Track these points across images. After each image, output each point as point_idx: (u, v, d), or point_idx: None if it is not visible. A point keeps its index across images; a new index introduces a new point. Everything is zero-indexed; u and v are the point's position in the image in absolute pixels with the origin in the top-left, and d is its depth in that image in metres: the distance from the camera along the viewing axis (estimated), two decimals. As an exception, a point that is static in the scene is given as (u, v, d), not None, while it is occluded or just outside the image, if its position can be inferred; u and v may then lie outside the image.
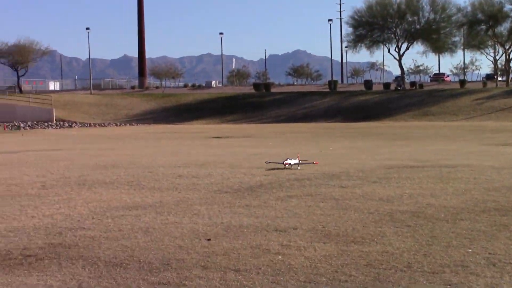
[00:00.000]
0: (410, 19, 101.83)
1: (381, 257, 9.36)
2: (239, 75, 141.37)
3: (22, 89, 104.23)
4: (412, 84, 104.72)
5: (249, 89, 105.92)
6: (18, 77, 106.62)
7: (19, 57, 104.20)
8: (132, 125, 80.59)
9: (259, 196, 15.28)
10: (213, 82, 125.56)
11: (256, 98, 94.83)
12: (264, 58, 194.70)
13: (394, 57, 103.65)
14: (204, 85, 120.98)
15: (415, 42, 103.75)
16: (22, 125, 75.01)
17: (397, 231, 11.13)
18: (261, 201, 14.44)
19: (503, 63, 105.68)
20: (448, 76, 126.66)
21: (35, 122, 77.73)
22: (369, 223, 11.81)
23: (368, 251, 9.71)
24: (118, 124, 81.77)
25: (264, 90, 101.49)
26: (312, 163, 21.63)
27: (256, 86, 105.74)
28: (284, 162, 20.95)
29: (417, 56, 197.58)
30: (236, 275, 8.54)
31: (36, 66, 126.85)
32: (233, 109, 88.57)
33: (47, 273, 8.74)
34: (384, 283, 8.22)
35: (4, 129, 70.70)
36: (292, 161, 21.09)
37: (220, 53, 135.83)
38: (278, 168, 20.93)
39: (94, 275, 8.65)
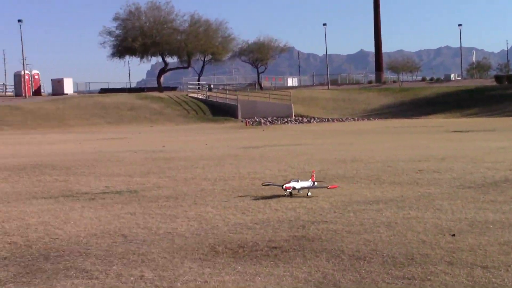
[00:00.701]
0: None
1: None
2: (479, 67, 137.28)
3: (262, 85, 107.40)
4: None
5: (490, 82, 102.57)
6: (258, 74, 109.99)
7: (259, 55, 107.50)
8: (370, 119, 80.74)
9: (504, 191, 14.73)
10: (452, 75, 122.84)
11: (498, 91, 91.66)
12: (505, 49, 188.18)
13: None
14: (442, 78, 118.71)
15: None
16: (262, 120, 77.28)
17: None
18: (507, 197, 13.92)
19: None
20: None
21: (274, 118, 79.77)
22: None
23: None
24: (356, 119, 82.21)
25: (506, 83, 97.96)
26: (327, 187, 15.16)
27: (498, 78, 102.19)
28: (285, 186, 14.62)
29: None
30: (483, 272, 8.28)
31: (275, 63, 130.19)
32: (473, 102, 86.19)
33: (292, 264, 8.91)
34: None
35: (246, 124, 73.22)
36: (298, 184, 14.72)
37: (459, 45, 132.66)
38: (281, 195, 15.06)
39: (338, 268, 8.71)
